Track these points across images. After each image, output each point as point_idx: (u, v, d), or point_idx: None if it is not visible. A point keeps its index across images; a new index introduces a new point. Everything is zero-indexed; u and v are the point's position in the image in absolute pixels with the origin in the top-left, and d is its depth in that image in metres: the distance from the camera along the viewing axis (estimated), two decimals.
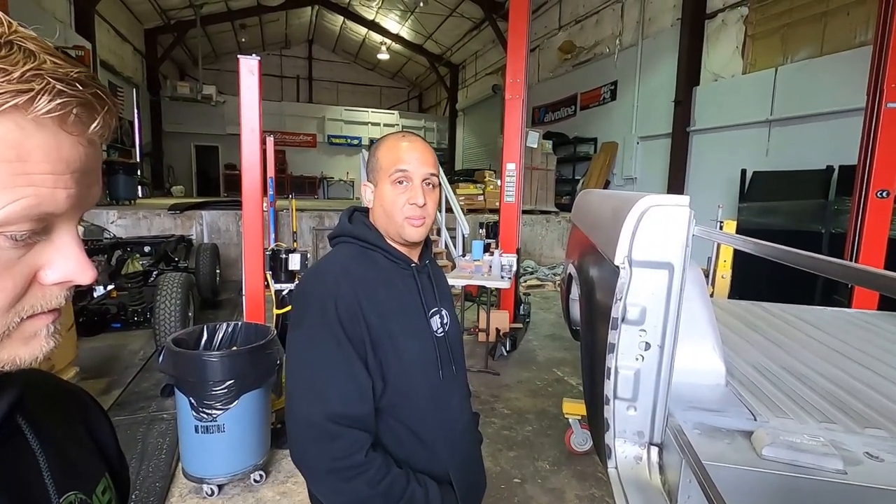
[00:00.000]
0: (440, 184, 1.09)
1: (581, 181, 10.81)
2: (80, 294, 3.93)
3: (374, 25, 16.30)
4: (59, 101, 0.34)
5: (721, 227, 3.38)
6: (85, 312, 4.21)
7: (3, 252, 0.34)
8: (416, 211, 1.01)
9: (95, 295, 4.23)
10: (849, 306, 3.59)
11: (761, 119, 6.91)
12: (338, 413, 0.92)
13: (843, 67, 5.88)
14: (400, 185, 1.01)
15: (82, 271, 0.39)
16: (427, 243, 1.13)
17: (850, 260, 4.78)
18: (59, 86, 0.34)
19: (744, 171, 6.58)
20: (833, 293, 4.94)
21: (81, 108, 0.35)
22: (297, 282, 3.18)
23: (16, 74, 0.32)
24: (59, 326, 0.41)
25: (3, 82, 0.32)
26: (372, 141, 17.52)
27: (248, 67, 2.94)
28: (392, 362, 0.99)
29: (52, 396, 0.52)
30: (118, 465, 0.59)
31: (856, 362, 1.47)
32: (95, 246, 4.69)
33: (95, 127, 0.37)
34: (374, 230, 1.07)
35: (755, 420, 1.03)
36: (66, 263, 0.38)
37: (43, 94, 0.33)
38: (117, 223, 7.04)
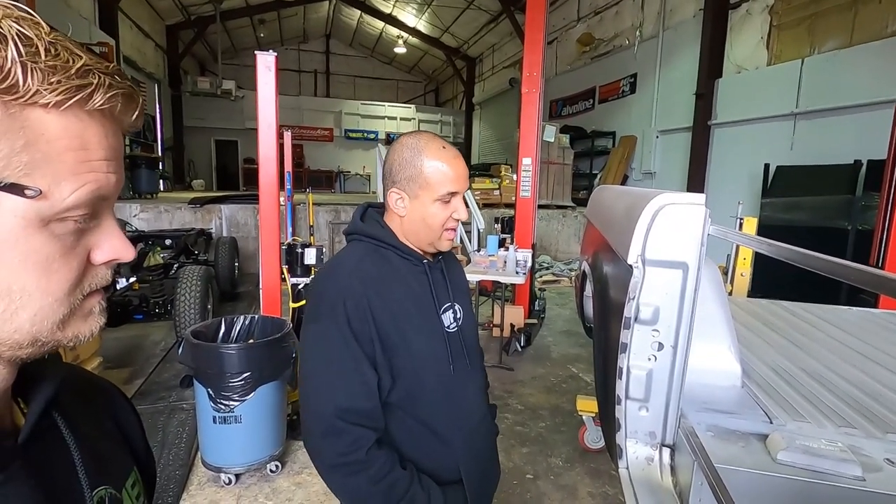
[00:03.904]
0: None
1: (599, 176, 10.67)
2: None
3: (390, 19, 16.28)
4: (110, 93, 0.37)
5: (741, 224, 3.30)
6: (108, 304, 4.31)
7: (70, 235, 0.38)
8: (455, 224, 1.04)
9: (118, 287, 4.33)
10: (875, 306, 3.48)
11: (786, 112, 6.71)
12: (344, 408, 0.94)
13: (874, 58, 5.68)
14: (446, 203, 1.02)
15: (126, 249, 0.42)
16: None
17: (878, 258, 4.63)
18: (108, 80, 0.37)
19: (767, 166, 6.42)
20: (859, 292, 4.80)
21: (125, 99, 0.39)
22: (312, 276, 3.22)
23: (73, 71, 0.35)
24: (104, 304, 0.45)
25: (64, 79, 0.34)
26: (389, 135, 17.53)
27: (265, 63, 2.97)
28: (402, 358, 1.00)
29: (83, 391, 0.53)
30: (145, 458, 0.60)
31: (880, 365, 1.42)
32: None
33: (134, 116, 0.41)
34: (387, 229, 1.07)
35: (771, 423, 1.00)
36: (112, 243, 0.41)
37: (99, 89, 0.36)
38: (140, 216, 7.21)
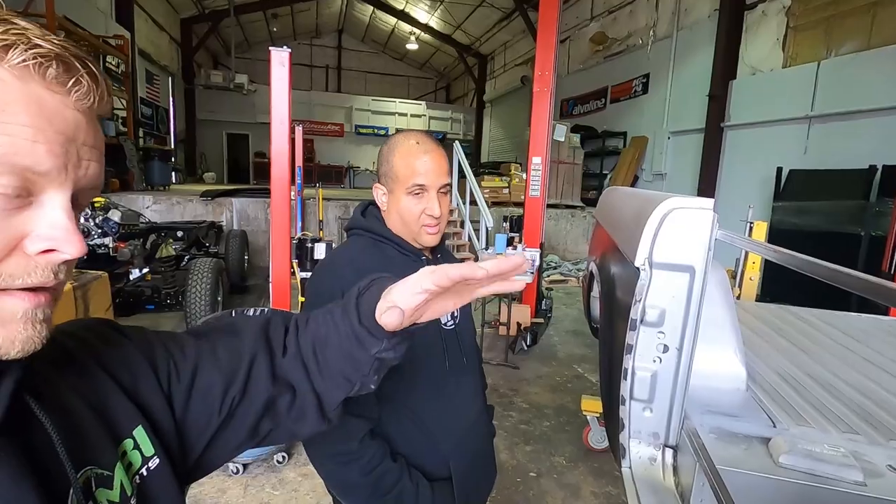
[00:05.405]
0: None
1: (609, 176, 10.62)
2: (116, 276, 4.10)
3: (403, 15, 16.28)
4: (33, 51, 0.35)
5: (751, 228, 3.29)
6: (121, 294, 4.39)
7: None
8: (433, 220, 1.04)
9: (131, 277, 4.40)
10: (886, 314, 3.44)
11: (801, 115, 6.64)
12: None
13: (892, 62, 5.59)
14: (416, 196, 1.03)
15: (67, 242, 0.37)
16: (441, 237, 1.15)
17: (891, 265, 4.58)
18: (36, 40, 0.35)
19: (780, 170, 6.36)
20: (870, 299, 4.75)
21: (60, 65, 0.36)
22: None
23: None
24: (43, 315, 0.38)
25: None
26: (399, 132, 17.56)
27: (279, 59, 3.00)
28: None
29: (64, 356, 0.48)
30: (167, 386, 0.54)
31: (887, 372, 1.42)
32: (132, 230, 4.88)
33: (79, 89, 0.37)
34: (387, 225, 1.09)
35: (774, 427, 1.01)
36: (49, 231, 0.37)
37: (19, 45, 0.35)
38: (152, 208, 7.29)
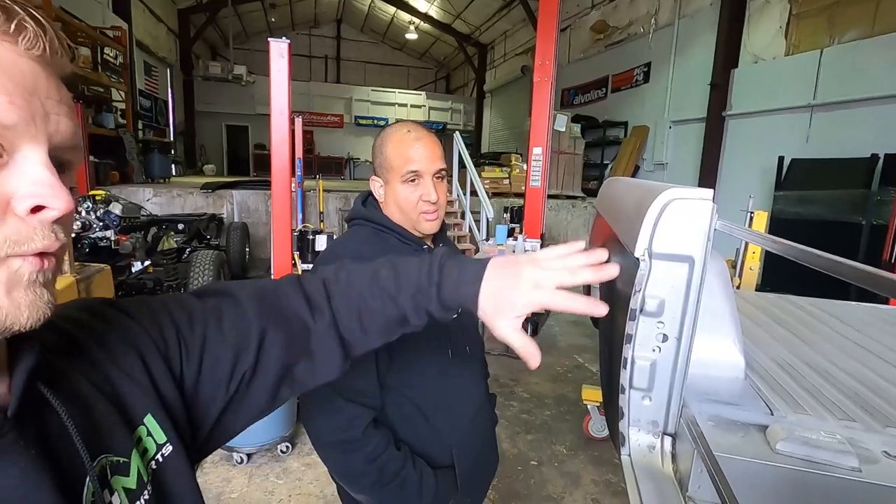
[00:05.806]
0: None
1: (610, 166, 10.59)
2: (119, 269, 4.11)
3: (402, 4, 16.13)
4: None
5: (751, 219, 3.29)
6: (123, 287, 4.41)
7: None
8: (430, 206, 1.04)
9: (133, 270, 4.41)
10: (886, 302, 3.45)
11: (803, 104, 6.60)
12: (340, 384, 0.96)
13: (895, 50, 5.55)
14: (412, 184, 1.03)
15: (54, 196, 0.36)
16: (442, 227, 1.16)
17: (891, 253, 4.58)
18: None
19: (781, 159, 6.34)
20: None
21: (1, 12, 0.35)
22: None
23: None
24: (44, 279, 0.37)
25: None
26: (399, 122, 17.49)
27: (279, 50, 2.98)
28: (399, 340, 1.02)
29: (72, 343, 0.47)
30: (176, 357, 0.53)
31: (886, 361, 1.43)
32: (133, 223, 4.89)
33: (25, 35, 0.36)
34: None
35: (772, 415, 1.02)
36: (33, 188, 0.35)
37: None
38: (153, 201, 7.29)
